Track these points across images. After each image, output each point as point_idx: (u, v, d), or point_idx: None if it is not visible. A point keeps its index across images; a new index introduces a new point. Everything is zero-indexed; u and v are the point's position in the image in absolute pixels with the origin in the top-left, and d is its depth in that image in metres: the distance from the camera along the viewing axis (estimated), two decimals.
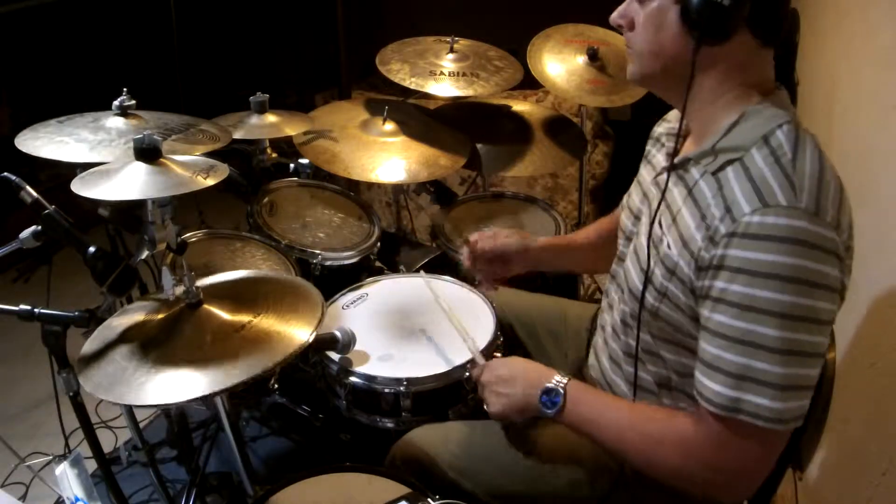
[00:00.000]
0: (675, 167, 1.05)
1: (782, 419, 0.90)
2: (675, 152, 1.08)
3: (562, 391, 1.09)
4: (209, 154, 1.45)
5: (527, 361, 1.22)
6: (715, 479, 0.97)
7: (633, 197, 1.22)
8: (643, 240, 1.08)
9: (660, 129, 1.23)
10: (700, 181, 0.98)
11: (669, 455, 0.99)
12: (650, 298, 1.05)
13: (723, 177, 0.95)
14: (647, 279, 1.05)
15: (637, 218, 1.17)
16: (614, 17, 1.07)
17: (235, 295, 1.25)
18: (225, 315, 1.19)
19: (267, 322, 1.17)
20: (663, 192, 1.05)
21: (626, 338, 1.15)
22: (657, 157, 1.19)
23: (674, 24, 0.97)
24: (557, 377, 1.12)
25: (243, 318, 1.18)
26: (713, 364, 0.93)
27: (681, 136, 1.12)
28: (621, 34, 1.08)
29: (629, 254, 1.15)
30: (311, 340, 1.14)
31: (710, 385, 0.94)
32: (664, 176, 1.08)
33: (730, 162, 0.95)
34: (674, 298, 1.01)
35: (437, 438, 1.27)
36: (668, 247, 1.01)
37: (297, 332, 1.15)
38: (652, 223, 1.06)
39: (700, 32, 0.95)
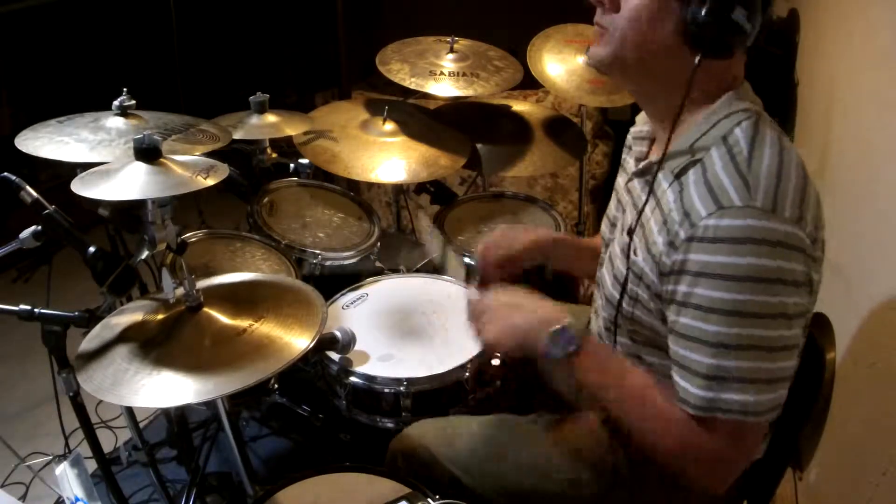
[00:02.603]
0: (643, 172, 1.06)
1: (758, 412, 0.91)
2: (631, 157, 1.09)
3: (578, 333, 1.02)
4: (209, 154, 1.45)
5: (539, 297, 1.13)
6: (699, 467, 0.98)
7: (610, 204, 1.23)
8: (616, 247, 1.09)
9: (629, 135, 1.22)
10: (664, 185, 0.99)
11: (667, 437, 0.98)
12: (624, 304, 1.05)
13: (684, 180, 0.95)
14: (624, 287, 1.05)
15: (613, 225, 1.18)
16: None
17: (236, 298, 1.25)
18: (225, 319, 1.19)
19: (267, 327, 1.17)
20: (650, 195, 1.04)
21: (610, 343, 1.15)
22: (629, 162, 1.19)
23: (669, 25, 0.94)
24: (571, 319, 1.04)
25: (244, 322, 1.18)
26: (684, 365, 0.94)
27: (644, 139, 1.12)
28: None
29: (605, 260, 1.16)
30: (311, 347, 1.14)
31: (684, 386, 0.95)
32: (633, 181, 1.08)
33: (692, 164, 0.96)
34: (644, 303, 1.02)
35: (437, 433, 1.27)
36: (635, 252, 1.02)
37: (299, 339, 1.15)
38: (614, 227, 1.06)
39: (703, 50, 0.93)
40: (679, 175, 0.97)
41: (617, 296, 1.07)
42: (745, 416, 0.91)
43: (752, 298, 0.88)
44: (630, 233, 1.05)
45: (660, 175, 1.01)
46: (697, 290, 0.91)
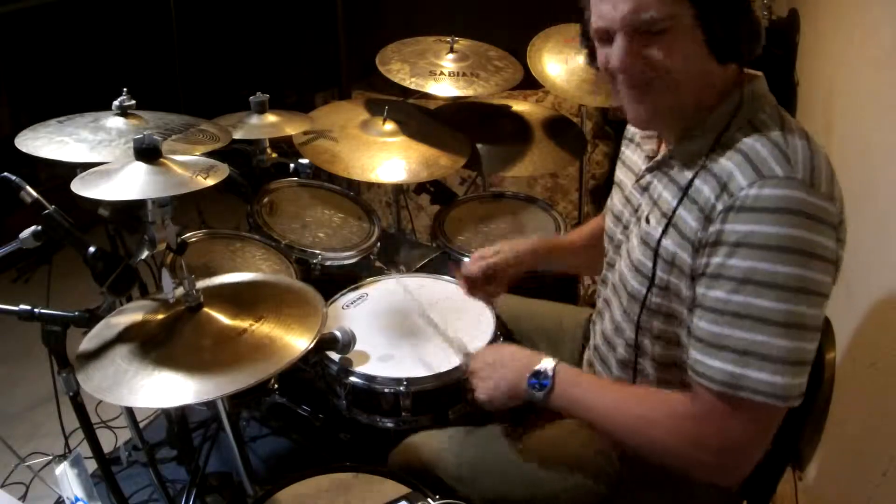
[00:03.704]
0: (659, 165, 1.05)
1: (783, 395, 0.89)
2: (654, 154, 1.09)
3: (550, 374, 1.08)
4: (209, 154, 1.45)
5: (515, 347, 1.21)
6: (707, 458, 0.95)
7: (615, 202, 1.21)
8: (634, 240, 1.08)
9: (633, 128, 1.22)
10: (686, 171, 0.99)
11: (662, 435, 0.98)
12: (653, 297, 1.04)
13: (710, 161, 0.95)
14: (649, 277, 1.04)
15: (623, 224, 1.17)
16: (625, 67, 0.95)
17: (236, 298, 1.25)
18: (225, 319, 1.19)
19: (268, 327, 1.17)
20: (676, 185, 1.03)
21: (619, 341, 1.15)
22: (632, 158, 1.18)
23: (698, 47, 0.93)
24: (546, 360, 1.10)
25: (244, 322, 1.18)
26: (712, 342, 0.92)
27: (651, 137, 1.12)
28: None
29: (621, 259, 1.15)
30: (311, 347, 1.14)
31: (709, 362, 0.92)
32: (647, 177, 1.08)
33: (714, 148, 0.96)
34: (675, 290, 1.00)
35: (436, 445, 1.27)
36: (664, 240, 1.00)
37: (299, 338, 1.15)
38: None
39: (740, 55, 0.94)
40: (704, 161, 0.96)
41: (641, 288, 1.05)
42: (769, 399, 0.88)
43: (789, 270, 0.87)
44: (648, 220, 1.04)
45: (679, 164, 1.01)
46: (733, 260, 0.89)
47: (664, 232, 1.00)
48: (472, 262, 1.47)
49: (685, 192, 0.97)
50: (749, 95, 0.97)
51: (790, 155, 0.90)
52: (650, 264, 1.03)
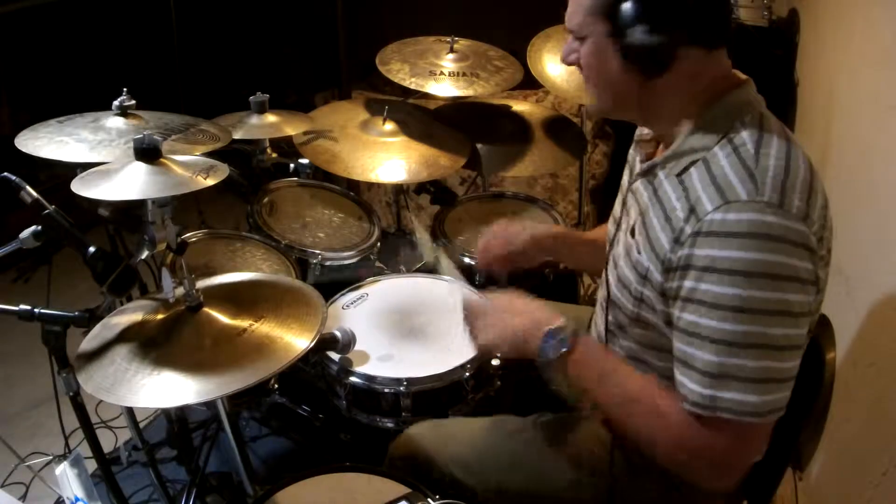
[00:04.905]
0: (645, 173, 1.06)
1: (760, 412, 0.91)
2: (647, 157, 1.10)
3: (570, 337, 1.04)
4: (209, 154, 1.45)
5: (533, 299, 1.15)
6: (699, 466, 0.97)
7: (616, 204, 1.22)
8: (620, 248, 1.09)
9: (638, 129, 1.22)
10: (665, 184, 0.99)
11: (665, 435, 0.98)
12: (629, 305, 1.05)
13: (686, 178, 0.96)
14: (628, 288, 1.05)
15: (617, 226, 1.17)
16: (562, 57, 1.10)
17: (236, 298, 1.25)
18: (225, 319, 1.19)
19: (267, 327, 1.17)
20: (653, 195, 1.04)
21: (612, 345, 1.15)
22: (634, 160, 1.19)
23: (615, 59, 0.98)
24: (563, 320, 1.06)
25: (244, 322, 1.18)
26: (688, 363, 0.94)
27: (650, 140, 1.13)
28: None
29: (610, 261, 1.15)
30: (311, 346, 1.14)
31: (686, 384, 0.94)
32: (638, 181, 1.08)
33: (693, 163, 0.96)
34: (649, 303, 1.01)
35: (436, 435, 1.27)
36: (639, 252, 1.02)
37: (299, 339, 1.15)
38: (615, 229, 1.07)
39: (642, 71, 0.97)
40: (681, 174, 0.97)
41: (621, 297, 1.07)
42: (747, 417, 0.91)
43: (756, 294, 0.87)
44: (633, 233, 1.05)
45: (661, 175, 1.01)
46: (702, 285, 0.91)
47: (640, 243, 1.01)
48: (495, 240, 1.43)
49: (663, 206, 0.98)
50: (732, 106, 0.97)
51: (758, 176, 0.90)
52: (629, 274, 1.04)
